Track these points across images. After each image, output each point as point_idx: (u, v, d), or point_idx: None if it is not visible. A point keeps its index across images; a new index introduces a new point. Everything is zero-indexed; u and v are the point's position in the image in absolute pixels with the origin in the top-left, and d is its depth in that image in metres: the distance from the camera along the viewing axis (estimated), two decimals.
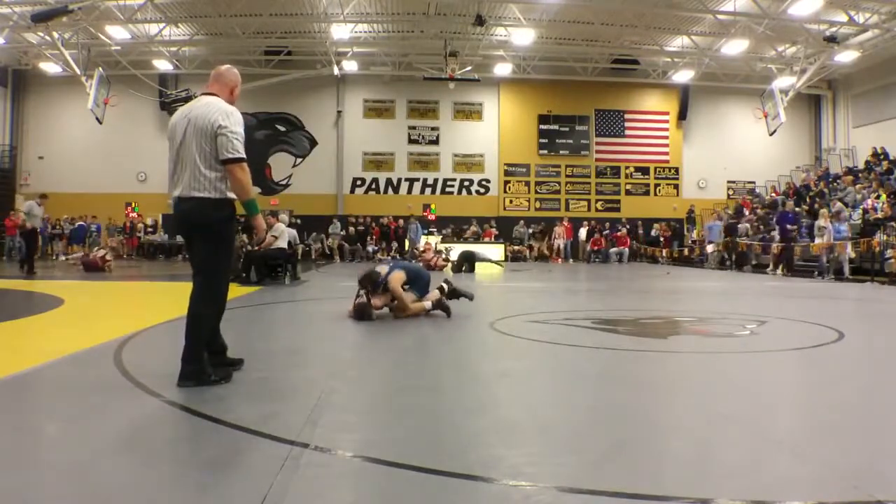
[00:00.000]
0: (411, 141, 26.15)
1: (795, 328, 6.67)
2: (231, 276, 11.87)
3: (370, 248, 23.08)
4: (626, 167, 26.82)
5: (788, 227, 17.11)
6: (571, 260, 23.60)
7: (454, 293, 7.26)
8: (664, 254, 23.34)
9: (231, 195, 3.65)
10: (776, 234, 17.64)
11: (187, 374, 3.57)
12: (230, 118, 3.59)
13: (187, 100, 3.78)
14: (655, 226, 24.59)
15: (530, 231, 24.75)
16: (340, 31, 20.72)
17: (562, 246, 23.66)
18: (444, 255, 17.58)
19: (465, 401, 3.51)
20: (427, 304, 6.95)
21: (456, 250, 18.41)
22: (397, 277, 6.79)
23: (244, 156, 3.60)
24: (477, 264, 16.65)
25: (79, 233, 22.88)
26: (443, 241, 21.95)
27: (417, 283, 6.98)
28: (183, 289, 3.75)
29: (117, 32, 20.41)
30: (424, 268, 9.02)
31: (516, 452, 2.58)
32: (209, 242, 3.67)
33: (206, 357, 3.66)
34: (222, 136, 3.54)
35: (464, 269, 16.33)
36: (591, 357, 4.89)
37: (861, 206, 17.31)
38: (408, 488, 2.23)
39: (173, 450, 2.71)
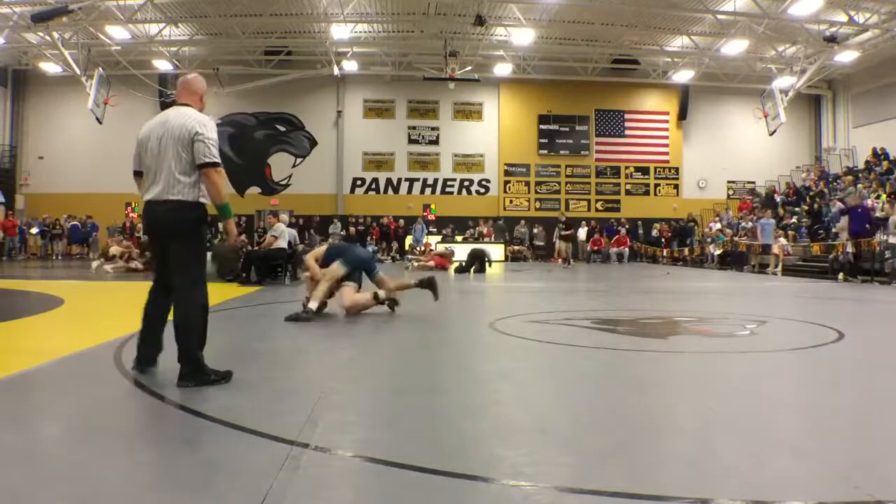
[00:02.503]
0: (411, 141, 26.15)
1: (795, 328, 6.68)
2: (231, 277, 11.78)
3: (370, 248, 23.06)
4: (626, 167, 26.81)
5: (867, 224, 14.18)
6: (571, 260, 23.54)
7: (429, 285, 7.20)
8: (665, 253, 23.32)
9: (204, 200, 3.76)
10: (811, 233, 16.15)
11: (186, 374, 3.59)
12: (206, 126, 3.75)
13: None
14: (656, 226, 24.57)
15: (533, 233, 24.67)
16: (340, 31, 20.70)
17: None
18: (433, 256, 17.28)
19: (465, 401, 3.51)
20: (412, 282, 7.09)
21: (459, 250, 17.87)
22: (314, 253, 7.07)
23: (220, 161, 3.76)
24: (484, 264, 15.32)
25: (75, 233, 22.83)
26: (442, 241, 21.94)
27: (354, 274, 6.84)
28: None
29: (117, 32, 20.39)
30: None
31: (516, 452, 2.58)
32: (188, 243, 3.76)
33: (202, 357, 3.68)
34: (199, 142, 3.67)
35: (474, 268, 14.99)
36: (591, 357, 4.89)
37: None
38: (408, 488, 2.23)
39: (173, 450, 2.71)
